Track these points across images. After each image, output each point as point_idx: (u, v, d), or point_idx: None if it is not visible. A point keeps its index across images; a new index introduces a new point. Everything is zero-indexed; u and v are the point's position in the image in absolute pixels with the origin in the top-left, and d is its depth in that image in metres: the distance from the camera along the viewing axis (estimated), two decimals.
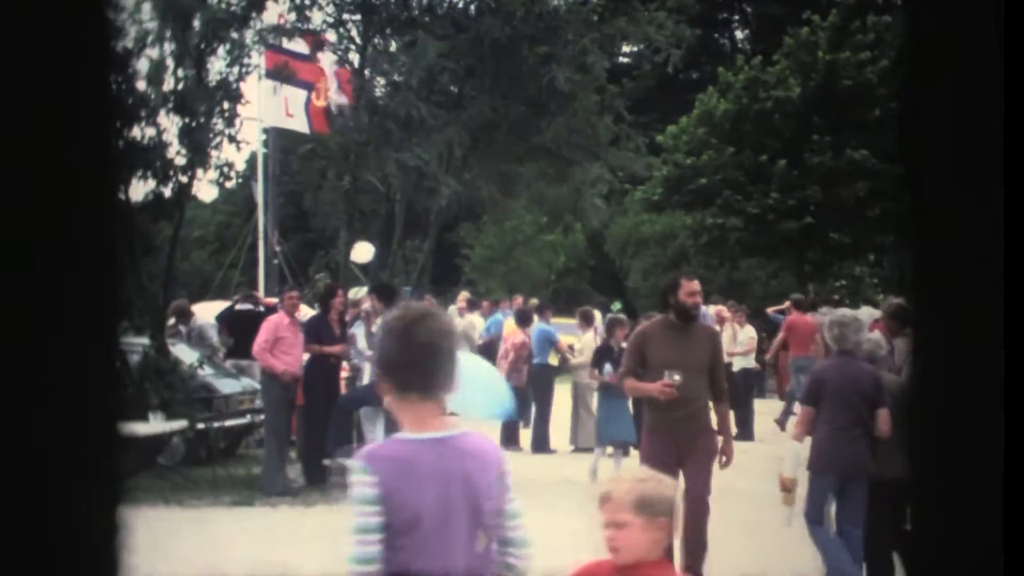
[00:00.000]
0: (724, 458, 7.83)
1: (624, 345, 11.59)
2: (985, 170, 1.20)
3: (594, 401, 15.39)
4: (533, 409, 16.02)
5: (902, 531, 7.96)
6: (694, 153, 30.77)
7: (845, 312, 8.51)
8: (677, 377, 7.38)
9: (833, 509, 7.84)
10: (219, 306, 19.70)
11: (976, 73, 1.20)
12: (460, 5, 13.95)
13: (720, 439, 7.92)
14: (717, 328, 17.57)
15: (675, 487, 3.85)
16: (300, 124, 18.02)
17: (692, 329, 7.78)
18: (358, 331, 12.66)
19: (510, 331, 18.50)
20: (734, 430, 9.73)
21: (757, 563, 8.99)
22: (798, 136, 29.42)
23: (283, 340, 11.93)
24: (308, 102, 16.80)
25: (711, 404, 7.95)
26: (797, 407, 9.83)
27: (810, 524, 7.71)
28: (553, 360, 16.36)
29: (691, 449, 7.59)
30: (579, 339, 16.29)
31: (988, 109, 1.19)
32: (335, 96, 14.92)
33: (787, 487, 7.86)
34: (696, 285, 7.78)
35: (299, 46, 15.20)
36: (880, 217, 28.25)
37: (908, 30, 1.25)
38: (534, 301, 20.14)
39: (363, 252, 18.02)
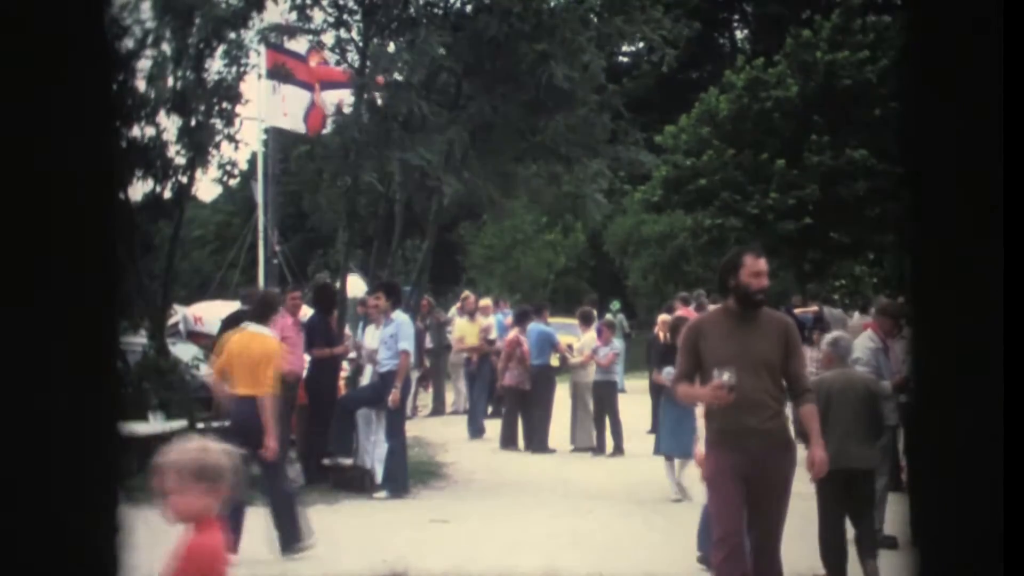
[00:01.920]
0: (811, 465, 6.53)
1: None
2: (985, 170, 1.20)
3: (591, 401, 15.41)
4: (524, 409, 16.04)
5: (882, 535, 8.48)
6: (694, 153, 30.77)
7: (839, 333, 9.41)
8: (727, 376, 6.04)
9: None
10: (219, 305, 19.70)
11: (976, 73, 1.20)
12: (457, 5, 13.94)
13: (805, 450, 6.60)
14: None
15: (234, 459, 3.85)
16: (295, 124, 17.99)
17: (758, 319, 6.31)
18: (369, 329, 12.63)
19: (461, 331, 18.45)
20: None
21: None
22: (797, 136, 29.41)
23: (287, 340, 11.94)
24: (311, 104, 16.73)
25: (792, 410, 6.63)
26: None
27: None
28: (554, 361, 16.31)
29: (763, 475, 6.22)
30: (579, 339, 16.29)
31: (988, 109, 1.19)
32: (331, 97, 14.94)
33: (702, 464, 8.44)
34: (763, 264, 6.41)
35: (300, 47, 15.19)
36: (880, 217, 28.23)
37: (908, 30, 1.25)
38: (486, 301, 20.09)
39: (355, 287, 18.04)
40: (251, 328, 9.34)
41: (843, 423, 7.98)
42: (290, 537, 8.79)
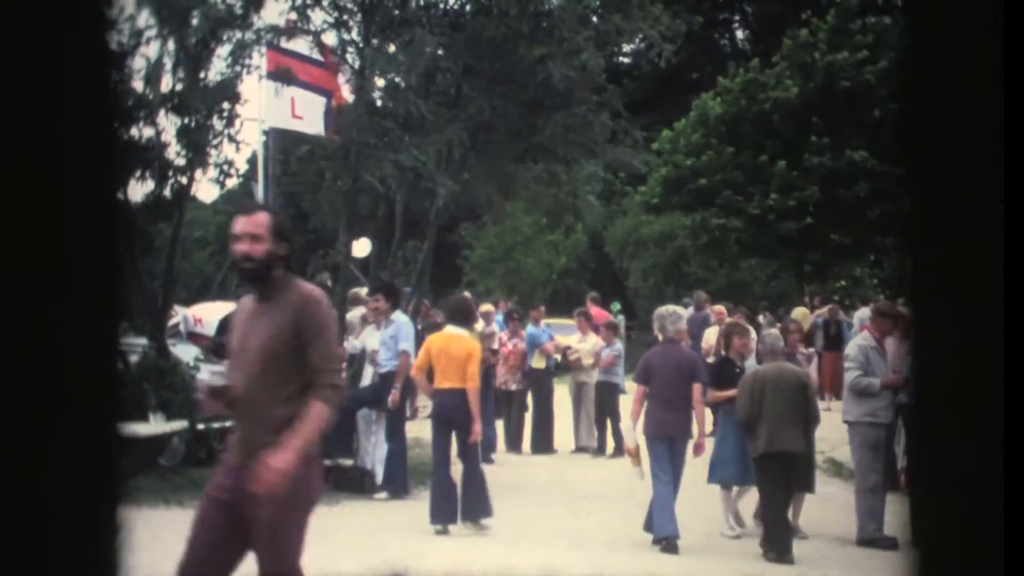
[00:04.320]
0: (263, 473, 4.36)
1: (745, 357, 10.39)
2: (985, 170, 1.20)
3: (592, 401, 15.40)
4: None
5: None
6: (694, 154, 30.77)
7: (667, 307, 10.43)
8: (208, 377, 4.45)
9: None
10: (220, 306, 19.67)
11: (976, 73, 1.20)
12: (455, 6, 13.95)
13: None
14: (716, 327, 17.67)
15: None
16: (309, 126, 17.88)
17: (274, 298, 4.61)
18: (369, 331, 12.62)
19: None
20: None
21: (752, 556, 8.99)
22: (797, 137, 29.40)
23: None
24: (328, 109, 16.68)
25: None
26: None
27: (654, 478, 9.40)
28: (538, 363, 15.97)
29: (251, 507, 4.41)
30: (580, 340, 16.26)
31: (988, 109, 1.19)
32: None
33: (633, 454, 9.83)
34: (242, 225, 4.75)
35: (304, 48, 15.16)
36: (880, 218, 28.23)
37: (908, 30, 1.25)
38: (488, 307, 19.40)
39: (362, 247, 17.91)
40: (450, 330, 10.51)
41: (776, 411, 8.99)
42: (476, 509, 10.02)
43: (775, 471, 9.02)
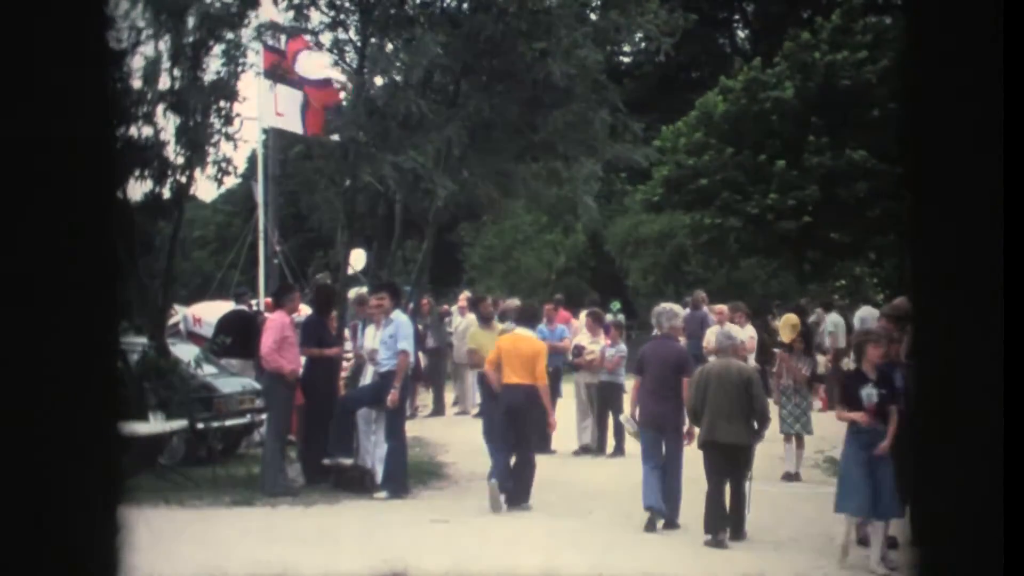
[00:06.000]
0: None
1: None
2: (984, 169, 1.20)
3: (594, 400, 15.38)
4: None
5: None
6: (694, 154, 30.76)
7: (664, 304, 11.14)
8: None
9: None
10: (219, 305, 19.68)
11: (976, 73, 1.20)
12: (453, 4, 13.92)
13: None
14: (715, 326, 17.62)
15: None
16: (290, 123, 17.85)
17: None
18: (368, 331, 12.61)
19: (477, 342, 16.99)
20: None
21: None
22: (797, 136, 29.40)
23: (287, 339, 11.96)
24: (305, 103, 16.63)
25: None
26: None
27: (643, 463, 10.24)
28: None
29: None
30: (589, 340, 16.21)
31: (988, 109, 1.19)
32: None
33: (633, 434, 10.75)
34: None
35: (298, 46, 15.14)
36: (880, 217, 28.21)
37: (908, 30, 1.25)
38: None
39: (356, 259, 17.92)
40: (518, 330, 11.68)
41: (717, 404, 9.52)
42: (522, 496, 11.16)
43: (714, 459, 9.57)
